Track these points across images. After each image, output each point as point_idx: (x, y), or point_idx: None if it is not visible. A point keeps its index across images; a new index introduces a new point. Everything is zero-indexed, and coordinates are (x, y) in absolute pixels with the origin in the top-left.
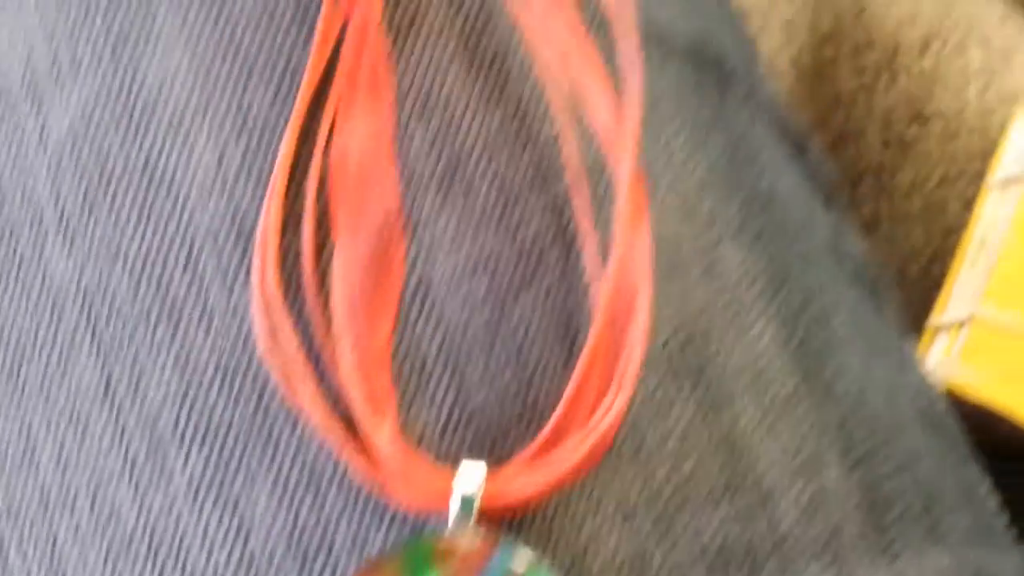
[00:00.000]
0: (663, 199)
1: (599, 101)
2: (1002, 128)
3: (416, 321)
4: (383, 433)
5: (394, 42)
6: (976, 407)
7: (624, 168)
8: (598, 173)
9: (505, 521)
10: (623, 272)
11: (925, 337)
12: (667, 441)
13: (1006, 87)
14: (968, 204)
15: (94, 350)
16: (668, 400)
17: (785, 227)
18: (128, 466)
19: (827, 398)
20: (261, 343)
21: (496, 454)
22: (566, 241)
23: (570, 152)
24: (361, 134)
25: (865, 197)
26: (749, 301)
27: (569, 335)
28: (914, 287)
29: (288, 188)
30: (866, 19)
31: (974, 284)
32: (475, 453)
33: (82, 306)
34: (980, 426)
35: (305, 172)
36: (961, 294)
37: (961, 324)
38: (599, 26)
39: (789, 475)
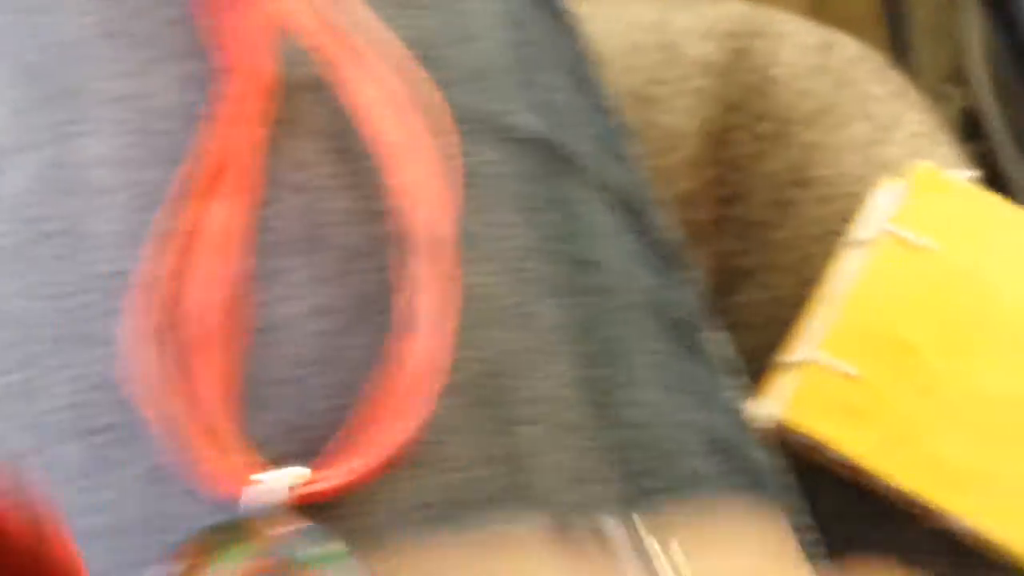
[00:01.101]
0: (482, 264)
1: (428, 192)
2: None
3: (265, 351)
4: (225, 437)
5: (276, 136)
6: (807, 437)
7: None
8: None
9: (315, 508)
10: (426, 326)
11: (771, 373)
12: (462, 451)
13: (884, 157)
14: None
15: (18, 358)
16: (466, 421)
17: (602, 287)
18: (35, 448)
19: (612, 425)
20: (134, 364)
21: (316, 458)
22: (391, 296)
23: (403, 227)
24: (225, 211)
25: (749, 249)
26: (554, 346)
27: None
28: (782, 329)
29: (166, 251)
30: (768, 92)
31: (817, 332)
32: (299, 457)
33: (13, 325)
34: (813, 452)
35: (185, 238)
36: (806, 339)
37: (801, 365)
38: (439, 132)
39: (565, 482)
